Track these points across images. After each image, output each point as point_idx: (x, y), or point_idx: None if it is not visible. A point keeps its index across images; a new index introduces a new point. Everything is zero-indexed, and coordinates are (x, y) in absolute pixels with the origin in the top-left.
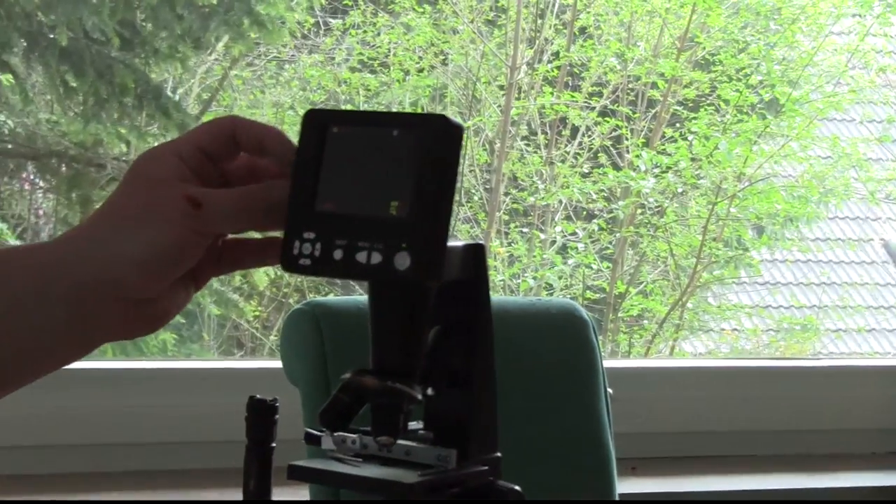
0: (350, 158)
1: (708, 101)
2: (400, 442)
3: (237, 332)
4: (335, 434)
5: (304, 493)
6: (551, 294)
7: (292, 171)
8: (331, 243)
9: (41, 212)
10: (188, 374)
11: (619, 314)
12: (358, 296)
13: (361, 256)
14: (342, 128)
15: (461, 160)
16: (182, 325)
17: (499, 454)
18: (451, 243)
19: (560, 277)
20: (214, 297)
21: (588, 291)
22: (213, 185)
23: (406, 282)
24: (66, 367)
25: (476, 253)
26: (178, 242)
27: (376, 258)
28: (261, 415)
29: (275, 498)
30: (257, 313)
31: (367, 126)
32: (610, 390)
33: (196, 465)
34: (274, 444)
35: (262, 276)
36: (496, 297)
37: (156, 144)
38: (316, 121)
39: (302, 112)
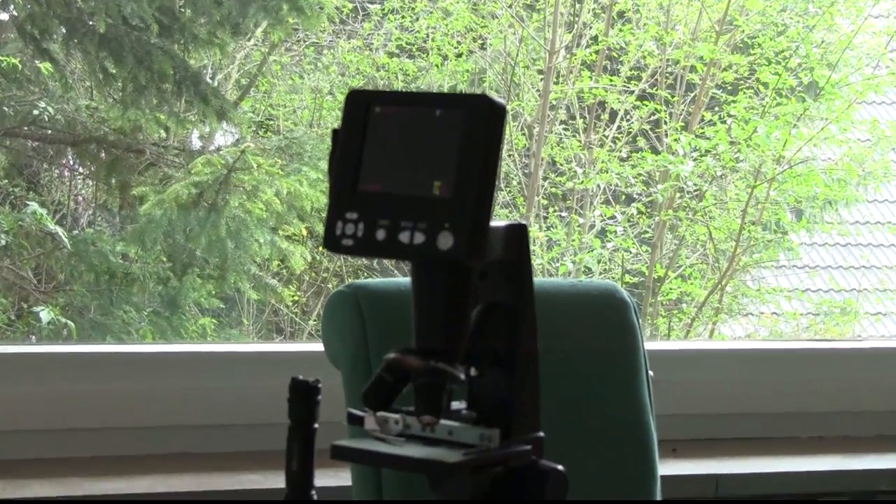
0: (392, 138)
1: (746, 85)
2: (443, 422)
3: (276, 317)
4: (378, 414)
5: (345, 475)
6: (590, 278)
7: (335, 153)
8: (374, 223)
9: (80, 197)
10: (229, 357)
11: (658, 298)
12: (399, 278)
13: (404, 236)
14: (385, 108)
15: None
16: (221, 310)
17: (541, 434)
18: (493, 223)
19: (599, 261)
20: (253, 282)
21: (627, 275)
22: None
23: (449, 261)
24: (104, 350)
25: (519, 233)
26: None
27: (419, 238)
28: (303, 395)
29: (317, 480)
30: (296, 298)
31: (410, 106)
32: (651, 372)
33: (238, 448)
34: (316, 426)
35: (301, 260)
36: (537, 279)
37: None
38: (358, 101)
39: (341, 97)
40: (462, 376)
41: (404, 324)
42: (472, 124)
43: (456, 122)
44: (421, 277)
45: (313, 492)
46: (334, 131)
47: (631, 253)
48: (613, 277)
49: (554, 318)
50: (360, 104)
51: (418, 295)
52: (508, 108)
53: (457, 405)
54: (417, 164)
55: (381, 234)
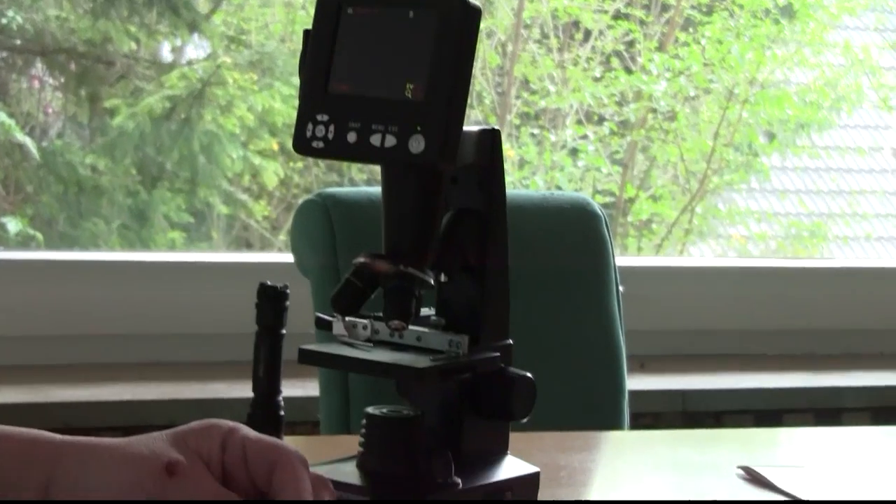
0: (365, 40)
1: (722, 6)
2: (412, 327)
3: (246, 232)
4: (346, 319)
5: (313, 385)
6: None
7: (306, 54)
8: (344, 126)
9: (50, 109)
10: (198, 266)
11: (629, 218)
12: (369, 187)
13: (375, 139)
14: (357, 8)
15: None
16: (191, 224)
17: (510, 341)
18: (466, 128)
19: (570, 180)
20: (223, 196)
21: (598, 195)
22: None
23: (420, 165)
24: (71, 257)
25: (491, 138)
26: (127, 498)
27: (390, 141)
28: (271, 300)
29: (284, 389)
30: (266, 213)
31: (383, 7)
32: (621, 287)
33: (205, 358)
34: (284, 332)
35: (272, 175)
36: (509, 191)
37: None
38: (330, 2)
39: (313, 12)
40: (432, 282)
41: (374, 233)
42: (447, 26)
43: (429, 23)
44: (391, 182)
45: (280, 398)
46: (305, 31)
47: (602, 172)
48: None
49: (525, 229)
50: (332, 4)
51: (388, 199)
52: (482, 26)
53: (426, 311)
54: (390, 65)
55: (351, 137)
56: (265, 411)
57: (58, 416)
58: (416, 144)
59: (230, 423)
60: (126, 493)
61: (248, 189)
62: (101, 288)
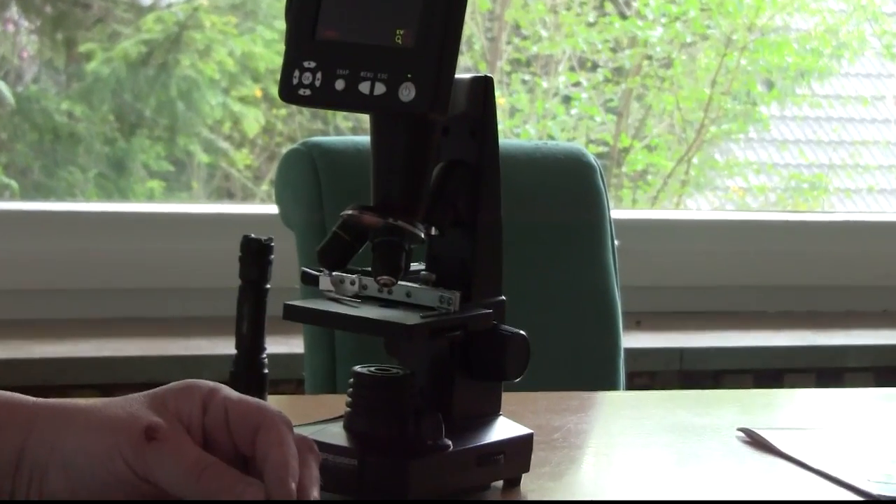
0: None
1: None
2: (401, 283)
3: (227, 182)
4: (333, 274)
5: (297, 342)
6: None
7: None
8: (332, 73)
9: (25, 54)
10: (178, 218)
11: (623, 168)
12: (356, 136)
13: (364, 87)
14: None
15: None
16: (170, 173)
17: (503, 298)
18: (458, 76)
19: (563, 130)
20: (204, 144)
21: (591, 144)
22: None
23: (410, 113)
24: (47, 208)
25: (484, 87)
26: (108, 476)
27: (380, 89)
28: (255, 254)
29: (268, 346)
30: (248, 162)
31: None
32: (617, 241)
33: (187, 313)
34: (268, 286)
35: (254, 123)
36: (500, 140)
37: (206, 382)
38: None
39: None
40: (422, 235)
41: (362, 184)
42: None
43: None
44: (380, 131)
45: (264, 356)
46: None
47: (596, 121)
48: None
49: (518, 181)
50: None
51: (377, 150)
52: None
53: (416, 266)
54: (379, 11)
55: (339, 85)
56: (248, 369)
57: (35, 373)
58: (407, 93)
59: (210, 384)
60: (104, 459)
61: (229, 137)
62: (77, 240)
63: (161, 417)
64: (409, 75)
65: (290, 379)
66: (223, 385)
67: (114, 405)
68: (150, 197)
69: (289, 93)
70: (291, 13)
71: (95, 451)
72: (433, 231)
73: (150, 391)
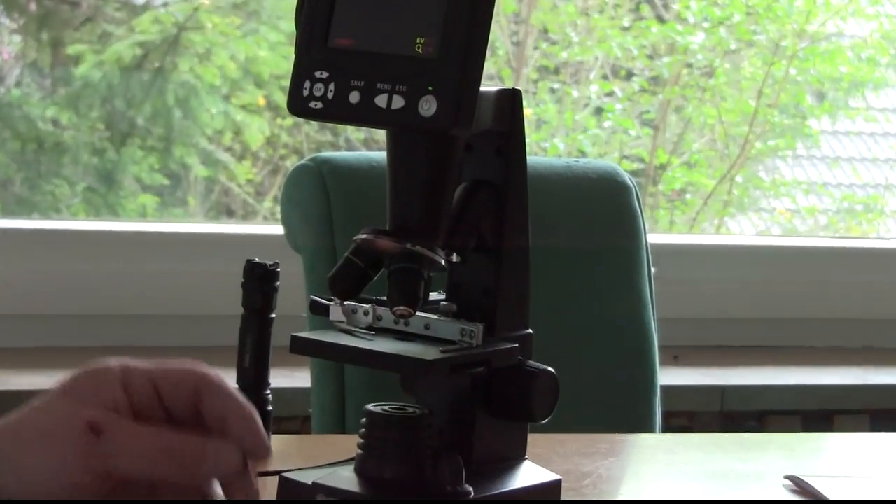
0: None
1: None
2: (419, 314)
3: (227, 197)
4: (345, 303)
5: (303, 375)
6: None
7: (303, 1)
8: (346, 84)
9: (7, 54)
10: (174, 238)
11: (660, 187)
12: (370, 152)
13: (381, 100)
14: None
15: None
16: (164, 188)
17: (530, 331)
18: (483, 88)
19: (594, 144)
20: (202, 156)
21: (625, 161)
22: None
23: (431, 129)
24: (29, 226)
25: (511, 100)
26: (68, 479)
27: (398, 102)
28: (259, 280)
29: (272, 380)
30: (250, 176)
31: None
32: (653, 268)
33: (182, 343)
34: (273, 316)
35: (257, 133)
36: (528, 157)
37: (111, 361)
38: None
39: None
40: (442, 262)
41: (376, 203)
42: None
43: None
44: (399, 148)
45: (268, 391)
46: None
47: (631, 135)
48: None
49: (547, 202)
50: None
51: (395, 168)
52: None
53: (435, 296)
54: (398, 17)
55: (354, 97)
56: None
57: (13, 406)
58: (427, 107)
59: (114, 362)
60: (68, 465)
61: (229, 149)
62: (63, 261)
63: (91, 409)
64: (430, 88)
65: (295, 416)
66: (125, 357)
67: (40, 410)
68: (143, 214)
69: (299, 105)
70: (302, 18)
71: (53, 463)
72: (454, 257)
73: (58, 388)
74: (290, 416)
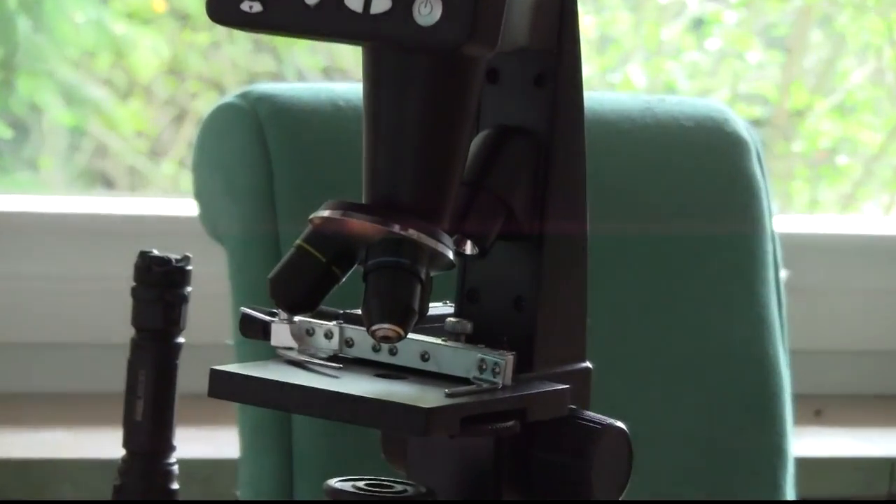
0: None
1: None
2: (412, 336)
3: (103, 159)
4: (296, 320)
5: (230, 433)
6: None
7: None
8: None
9: None
10: (24, 219)
11: (796, 144)
12: (331, 83)
13: (355, 1)
14: None
15: None
16: (4, 143)
17: (588, 364)
18: None
19: (691, 75)
20: (63, 92)
21: (740, 102)
22: None
23: (433, 45)
24: None
25: (560, 5)
26: None
27: (382, 2)
28: (157, 284)
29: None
30: (141, 126)
31: None
32: (784, 272)
33: (31, 386)
34: (181, 340)
35: (151, 57)
36: (586, 93)
37: None
38: None
39: None
40: (451, 255)
41: (344, 165)
42: None
43: None
44: (382, 77)
45: (171, 462)
46: None
47: (749, 62)
48: None
49: (615, 164)
50: None
51: (375, 110)
52: None
53: (439, 308)
54: None
55: None
56: (145, 481)
57: None
58: (427, 11)
59: None
60: None
61: (107, 81)
62: None
63: None
64: None
65: (215, 500)
66: None
67: None
68: None
69: (225, 7)
70: None
71: None
72: (469, 248)
73: None
74: (209, 501)
